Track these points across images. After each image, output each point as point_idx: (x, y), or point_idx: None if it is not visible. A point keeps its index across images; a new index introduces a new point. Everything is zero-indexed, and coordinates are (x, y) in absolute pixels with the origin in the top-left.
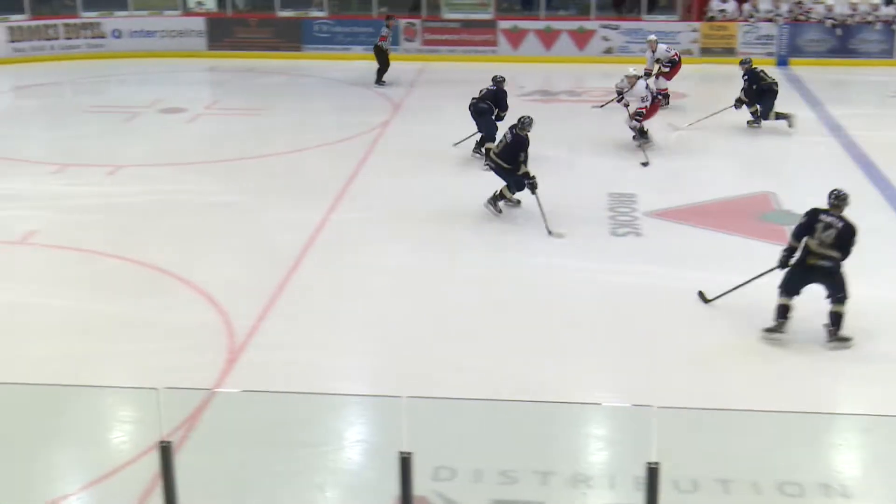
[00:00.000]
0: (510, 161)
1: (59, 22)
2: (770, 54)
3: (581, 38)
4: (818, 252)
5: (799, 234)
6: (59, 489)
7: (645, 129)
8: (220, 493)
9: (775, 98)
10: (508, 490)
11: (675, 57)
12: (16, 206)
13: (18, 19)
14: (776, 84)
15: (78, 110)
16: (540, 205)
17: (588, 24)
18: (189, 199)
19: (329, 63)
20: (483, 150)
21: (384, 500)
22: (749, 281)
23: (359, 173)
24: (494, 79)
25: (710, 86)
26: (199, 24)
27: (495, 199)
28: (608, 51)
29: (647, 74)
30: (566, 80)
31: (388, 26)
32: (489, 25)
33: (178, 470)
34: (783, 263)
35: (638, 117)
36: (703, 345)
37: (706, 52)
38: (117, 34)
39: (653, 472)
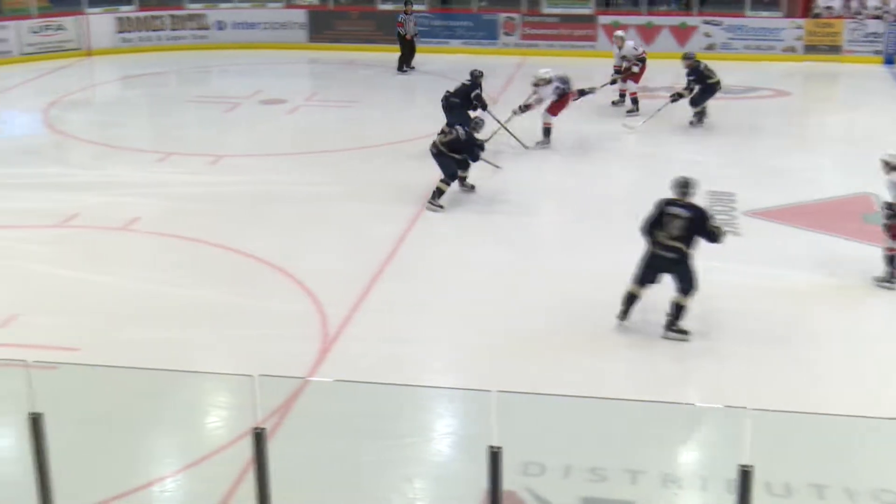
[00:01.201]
0: (456, 152)
1: (165, 13)
2: (877, 52)
3: (682, 33)
4: (665, 244)
5: (645, 226)
6: (157, 471)
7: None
8: (311, 481)
9: (710, 97)
10: (597, 488)
11: (643, 55)
12: (120, 193)
13: (127, 10)
14: (719, 84)
15: (182, 100)
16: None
17: (690, 20)
18: (287, 190)
19: (427, 56)
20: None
21: (473, 494)
22: None
23: None
24: (472, 73)
25: (814, 84)
26: (300, 16)
27: (435, 195)
28: (710, 47)
29: (616, 72)
30: (665, 76)
31: (405, 12)
32: (589, 20)
33: (271, 457)
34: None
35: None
36: (802, 348)
37: (810, 49)
38: (221, 25)
39: (745, 475)
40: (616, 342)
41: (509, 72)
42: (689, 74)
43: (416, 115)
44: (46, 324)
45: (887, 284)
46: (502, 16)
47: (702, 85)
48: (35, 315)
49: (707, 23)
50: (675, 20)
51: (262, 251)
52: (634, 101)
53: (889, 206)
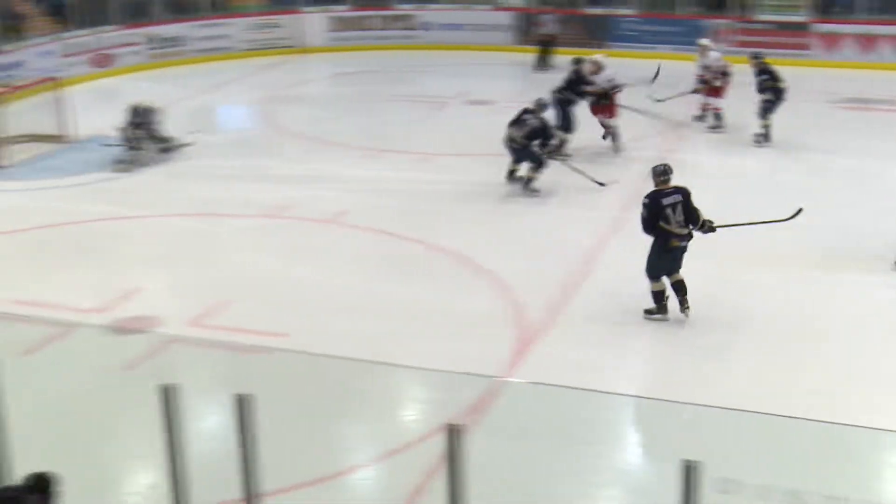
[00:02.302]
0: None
1: (375, 13)
2: None
3: None
4: (680, 233)
5: (648, 226)
6: (353, 459)
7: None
8: (503, 480)
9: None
10: None
11: (728, 69)
12: (329, 187)
13: (340, 10)
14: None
15: (390, 98)
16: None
17: None
18: (492, 190)
19: (633, 62)
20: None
21: None
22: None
23: None
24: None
25: None
26: (506, 18)
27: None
28: None
29: (702, 82)
30: (886, 88)
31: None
32: (803, 28)
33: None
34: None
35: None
36: None
37: None
38: (428, 26)
39: None
40: (808, 357)
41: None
42: (759, 74)
43: (623, 121)
44: (257, 310)
45: None
46: (713, 22)
47: (773, 88)
48: (246, 301)
49: None
50: None
51: (466, 250)
52: (717, 116)
53: None
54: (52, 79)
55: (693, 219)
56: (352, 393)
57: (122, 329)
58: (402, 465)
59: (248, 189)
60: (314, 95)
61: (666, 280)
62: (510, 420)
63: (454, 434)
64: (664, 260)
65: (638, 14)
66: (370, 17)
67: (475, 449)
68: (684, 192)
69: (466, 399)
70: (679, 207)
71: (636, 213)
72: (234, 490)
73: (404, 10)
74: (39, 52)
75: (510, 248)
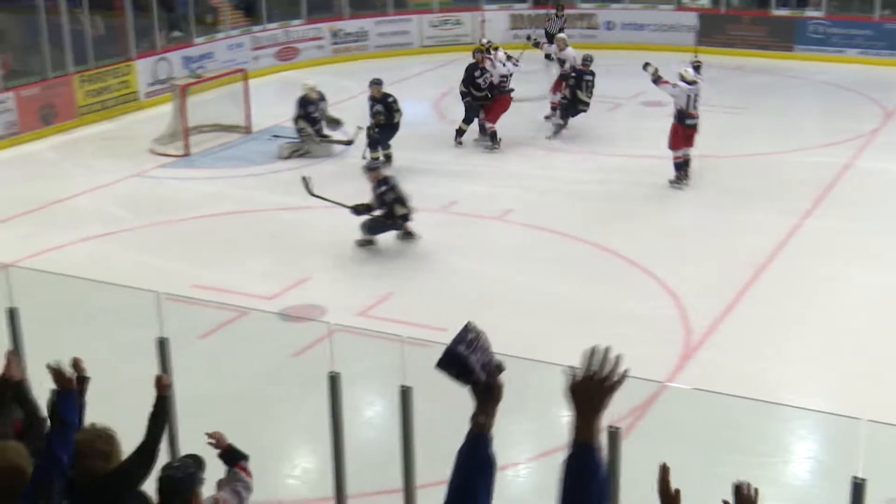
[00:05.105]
0: None
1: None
2: None
3: None
4: None
5: None
6: (507, 457)
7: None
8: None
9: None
10: None
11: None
12: (498, 184)
13: (521, 7)
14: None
15: None
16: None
17: None
18: (661, 193)
19: (821, 65)
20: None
21: None
22: None
23: (839, 181)
24: None
25: None
26: (691, 19)
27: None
28: None
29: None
30: None
31: (557, 16)
32: None
33: (622, 456)
34: None
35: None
36: None
37: None
38: (610, 26)
39: None
40: None
41: None
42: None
43: (803, 126)
44: (420, 303)
45: None
46: None
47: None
48: (409, 294)
49: None
50: None
51: (631, 252)
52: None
53: None
54: (240, 71)
55: None
56: (510, 390)
57: (291, 316)
58: (557, 465)
59: (418, 182)
60: None
61: None
62: (670, 425)
63: (613, 438)
64: None
65: (825, 17)
66: (551, 15)
67: (632, 452)
68: None
69: (626, 402)
70: None
71: (815, 220)
72: (388, 480)
73: (586, 8)
74: (229, 45)
75: (679, 253)
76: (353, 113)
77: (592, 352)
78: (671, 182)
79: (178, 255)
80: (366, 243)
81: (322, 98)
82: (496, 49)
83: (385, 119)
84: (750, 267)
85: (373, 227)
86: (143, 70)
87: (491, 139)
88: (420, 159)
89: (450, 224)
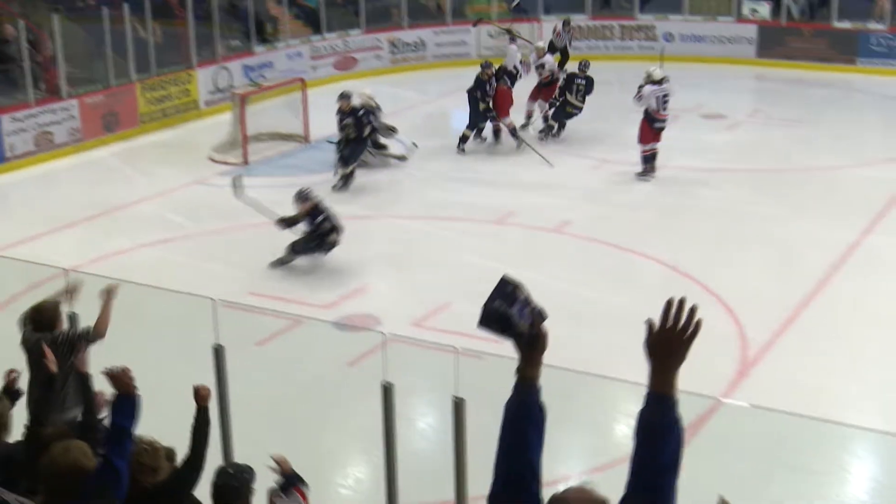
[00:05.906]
0: None
1: (615, 23)
2: None
3: None
4: None
5: None
6: (561, 470)
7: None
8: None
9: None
10: None
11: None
12: (556, 195)
13: (579, 19)
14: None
15: (623, 109)
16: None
17: None
18: (719, 205)
19: (883, 79)
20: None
21: None
22: None
23: None
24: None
25: None
26: (750, 31)
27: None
28: None
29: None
30: None
31: (565, 30)
32: None
33: None
34: None
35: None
36: None
37: None
38: (668, 38)
39: None
40: None
41: None
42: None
43: (864, 139)
44: (476, 313)
45: None
46: None
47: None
48: (466, 304)
49: None
50: None
51: (687, 265)
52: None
53: None
54: (299, 80)
55: None
56: (565, 403)
57: (347, 325)
58: (611, 480)
59: (476, 193)
60: None
61: None
62: (725, 441)
63: None
64: None
65: (889, 30)
66: (610, 26)
67: (687, 469)
68: None
69: (685, 418)
70: None
71: (877, 236)
72: (441, 491)
73: (645, 20)
74: (289, 54)
75: (736, 266)
76: (412, 122)
77: (669, 304)
78: (637, 175)
79: (235, 262)
80: (280, 264)
81: (378, 108)
82: (515, 39)
83: (355, 133)
84: (810, 281)
85: (300, 250)
86: (203, 79)
87: (512, 134)
88: (476, 169)
89: (507, 236)
